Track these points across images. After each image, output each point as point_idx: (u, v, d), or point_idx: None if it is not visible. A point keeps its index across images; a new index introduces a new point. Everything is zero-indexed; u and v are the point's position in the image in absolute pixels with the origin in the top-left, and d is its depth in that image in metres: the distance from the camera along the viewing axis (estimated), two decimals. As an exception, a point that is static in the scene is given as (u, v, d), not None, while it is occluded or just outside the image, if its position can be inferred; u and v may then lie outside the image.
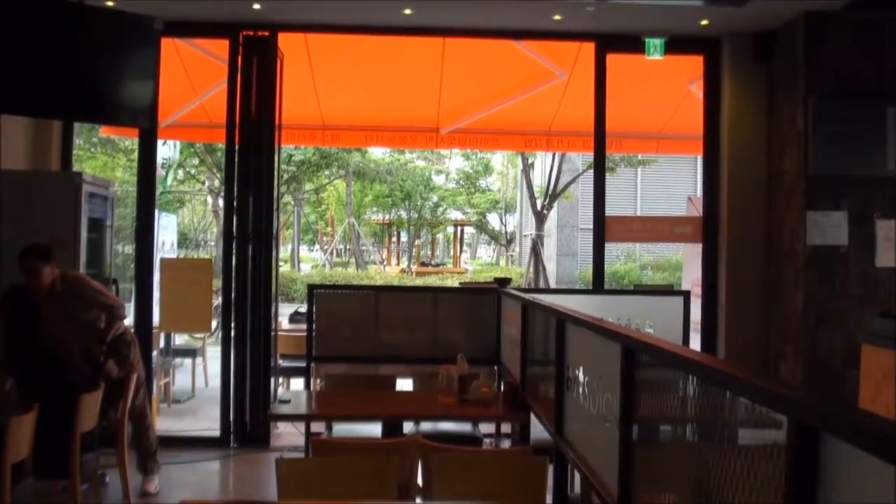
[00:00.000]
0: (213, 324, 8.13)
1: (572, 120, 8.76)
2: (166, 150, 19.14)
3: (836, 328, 5.78)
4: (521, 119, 9.03)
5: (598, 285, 6.67)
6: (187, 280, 6.68)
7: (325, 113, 8.82)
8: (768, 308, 6.33)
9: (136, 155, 6.93)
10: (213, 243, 24.92)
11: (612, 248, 20.76)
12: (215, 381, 7.17)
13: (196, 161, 21.36)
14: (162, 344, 8.21)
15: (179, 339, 9.38)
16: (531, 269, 16.92)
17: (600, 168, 6.72)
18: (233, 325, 6.39)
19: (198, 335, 9.08)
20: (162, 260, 7.14)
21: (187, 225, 26.65)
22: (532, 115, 8.99)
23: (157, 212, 6.95)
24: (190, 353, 8.81)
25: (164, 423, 6.93)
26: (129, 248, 12.76)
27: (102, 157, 19.64)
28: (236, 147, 6.39)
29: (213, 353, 7.91)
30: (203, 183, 23.16)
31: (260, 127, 6.36)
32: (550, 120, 8.98)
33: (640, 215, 20.14)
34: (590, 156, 9.04)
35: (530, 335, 4.58)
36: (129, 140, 16.74)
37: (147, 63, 5.16)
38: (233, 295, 6.39)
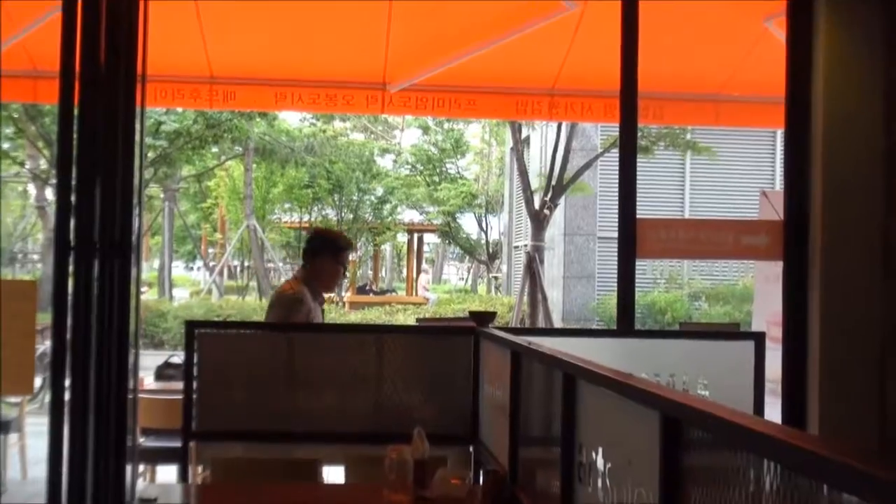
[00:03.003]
0: (37, 382, 8.03)
1: (587, 74, 8.81)
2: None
3: None
4: (511, 72, 9.05)
5: (625, 323, 6.69)
6: (-4, 314, 6.59)
7: (213, 60, 8.78)
8: (888, 357, 6.39)
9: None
10: (37, 257, 24.68)
11: (647, 268, 20.91)
12: (39, 469, 7.08)
13: (10, 131, 21.16)
14: (-45, 413, 8.09)
15: (-18, 406, 9.25)
16: (526, 298, 16.98)
17: (629, 147, 6.75)
18: (67, 383, 6.32)
19: (12, 400, 8.98)
20: (-44, 283, 7.02)
21: (-4, 229, 26.36)
22: (527, 66, 9.02)
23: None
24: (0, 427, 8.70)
25: (-42, 537, 6.82)
26: None
27: None
28: (75, 110, 6.34)
29: (37, 427, 7.80)
30: (22, 165, 22.93)
31: (113, 79, 6.32)
32: (555, 73, 9.02)
33: (689, 218, 20.32)
34: (613, 129, 9.05)
35: (524, 399, 4.57)
36: None
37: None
38: (68, 336, 6.32)
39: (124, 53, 6.38)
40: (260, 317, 20.52)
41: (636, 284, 6.75)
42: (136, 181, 6.42)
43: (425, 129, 30.52)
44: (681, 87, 9.17)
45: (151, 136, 19.95)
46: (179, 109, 20.02)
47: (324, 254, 5.91)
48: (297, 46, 8.79)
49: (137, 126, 6.46)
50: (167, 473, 7.59)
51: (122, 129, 6.39)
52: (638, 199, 6.69)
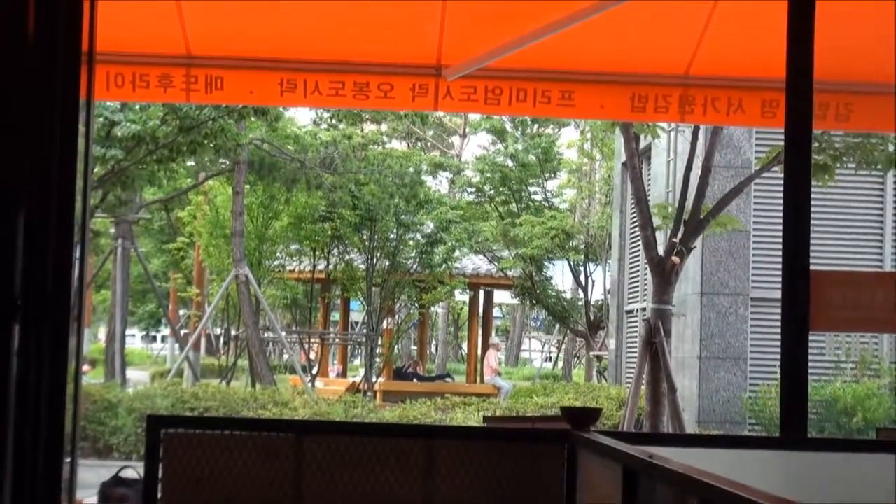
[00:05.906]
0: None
1: (736, 55, 8.83)
2: None
3: None
4: (624, 51, 9.09)
5: (793, 428, 6.66)
6: None
7: (192, 32, 8.86)
8: None
9: None
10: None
11: (826, 345, 20.79)
12: None
13: None
14: None
15: None
16: (644, 388, 16.93)
17: (800, 164, 6.74)
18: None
19: None
20: None
21: None
22: (648, 43, 9.04)
23: None
24: None
25: None
26: None
27: None
28: (-10, 104, 6.43)
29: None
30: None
31: (46, 59, 6.40)
32: (688, 58, 9.03)
33: (891, 271, 20.14)
34: (776, 137, 8.89)
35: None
36: None
37: None
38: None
39: (63, 22, 6.47)
40: (252, 410, 20.55)
41: (810, 370, 6.71)
42: (77, 209, 6.47)
43: (499, 135, 30.64)
44: (877, 74, 9.12)
45: (101, 143, 20.16)
46: (141, 104, 20.22)
47: None
48: (311, 14, 8.82)
49: (81, 128, 6.52)
50: None
51: (58, 133, 6.45)
52: (813, 241, 6.67)
